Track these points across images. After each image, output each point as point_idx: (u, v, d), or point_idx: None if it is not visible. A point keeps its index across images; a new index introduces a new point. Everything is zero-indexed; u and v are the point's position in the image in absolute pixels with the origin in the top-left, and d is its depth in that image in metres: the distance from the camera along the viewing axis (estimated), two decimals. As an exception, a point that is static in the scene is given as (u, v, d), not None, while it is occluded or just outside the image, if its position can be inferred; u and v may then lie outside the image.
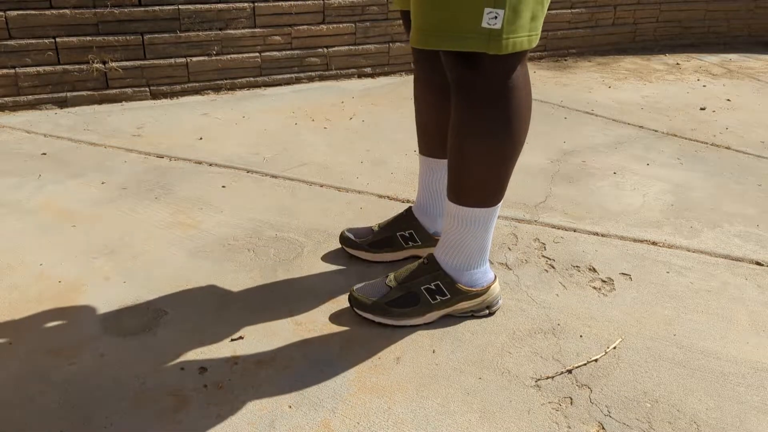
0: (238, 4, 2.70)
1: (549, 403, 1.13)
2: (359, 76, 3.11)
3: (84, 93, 2.57)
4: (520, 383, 1.18)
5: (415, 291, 1.30)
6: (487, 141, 1.17)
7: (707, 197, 1.96)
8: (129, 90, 2.64)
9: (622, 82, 3.22)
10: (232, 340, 1.26)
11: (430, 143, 1.44)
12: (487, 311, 1.35)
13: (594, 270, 1.54)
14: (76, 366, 1.18)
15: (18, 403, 1.10)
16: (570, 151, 2.30)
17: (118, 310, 1.34)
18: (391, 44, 3.11)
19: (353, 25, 2.98)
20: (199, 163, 2.09)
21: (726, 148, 2.38)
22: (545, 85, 3.13)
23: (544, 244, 1.65)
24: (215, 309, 1.36)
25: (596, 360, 1.24)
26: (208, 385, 1.15)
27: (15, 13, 2.37)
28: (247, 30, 2.76)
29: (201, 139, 2.28)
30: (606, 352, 1.26)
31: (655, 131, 2.53)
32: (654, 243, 1.68)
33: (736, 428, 1.09)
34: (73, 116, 2.48)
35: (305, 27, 2.88)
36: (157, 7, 2.57)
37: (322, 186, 1.95)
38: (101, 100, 2.61)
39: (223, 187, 1.92)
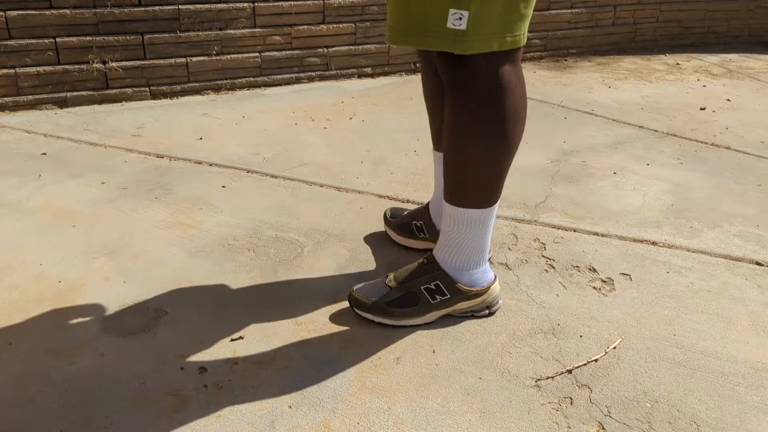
0: (238, 4, 2.70)
1: (549, 403, 1.13)
2: (359, 76, 3.11)
3: (84, 93, 2.58)
4: (520, 383, 1.18)
5: (415, 291, 1.30)
6: (482, 141, 1.17)
7: (707, 197, 1.96)
8: (129, 90, 2.64)
9: (622, 82, 3.22)
10: (232, 340, 1.26)
11: (441, 139, 1.47)
12: (487, 311, 1.35)
13: (594, 270, 1.54)
14: (76, 366, 1.18)
15: (18, 403, 1.10)
16: (570, 151, 2.30)
17: (118, 310, 1.34)
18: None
19: (353, 25, 2.98)
20: (199, 163, 2.09)
21: (726, 148, 2.38)
22: (545, 85, 3.12)
23: (544, 244, 1.65)
24: (215, 309, 1.36)
25: (596, 360, 1.24)
26: (208, 385, 1.15)
27: (15, 13, 2.37)
28: (247, 30, 2.76)
29: (201, 139, 2.28)
30: (606, 352, 1.26)
31: (655, 131, 2.53)
32: (654, 243, 1.68)
33: (736, 428, 1.09)
34: (73, 116, 2.48)
35: (305, 27, 2.88)
36: (157, 7, 2.57)
37: (322, 186, 1.95)
38: (101, 100, 2.61)
39: (223, 187, 1.92)
